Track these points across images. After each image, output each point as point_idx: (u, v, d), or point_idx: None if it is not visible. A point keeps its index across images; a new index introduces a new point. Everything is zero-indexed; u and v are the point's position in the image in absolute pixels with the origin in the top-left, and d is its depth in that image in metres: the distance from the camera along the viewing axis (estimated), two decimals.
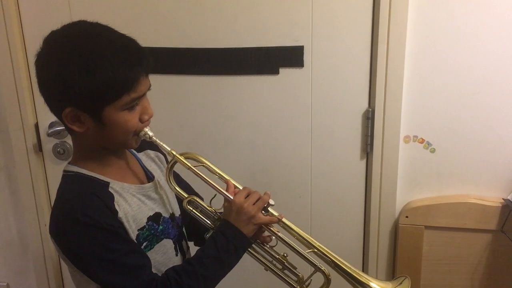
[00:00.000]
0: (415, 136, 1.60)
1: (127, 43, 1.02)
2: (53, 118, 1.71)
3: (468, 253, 1.63)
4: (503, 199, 1.57)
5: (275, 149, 1.69)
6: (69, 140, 1.76)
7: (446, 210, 1.60)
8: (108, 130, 1.02)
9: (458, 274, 1.65)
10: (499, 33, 1.47)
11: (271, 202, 1.13)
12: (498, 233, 1.58)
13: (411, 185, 1.65)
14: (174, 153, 1.12)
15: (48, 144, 1.78)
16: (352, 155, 1.66)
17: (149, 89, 1.05)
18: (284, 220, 1.15)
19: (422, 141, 1.61)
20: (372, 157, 1.63)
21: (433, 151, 1.61)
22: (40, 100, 1.70)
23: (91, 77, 0.95)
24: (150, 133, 1.08)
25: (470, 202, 1.59)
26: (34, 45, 1.61)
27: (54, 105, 1.03)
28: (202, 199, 1.22)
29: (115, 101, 0.98)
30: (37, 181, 1.81)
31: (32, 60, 1.66)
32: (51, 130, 1.73)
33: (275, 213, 1.14)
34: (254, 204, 1.10)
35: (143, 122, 1.06)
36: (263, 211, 1.12)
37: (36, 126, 1.77)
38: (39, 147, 1.79)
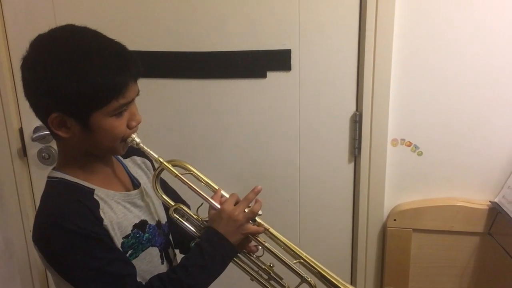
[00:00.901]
0: (403, 139, 1.61)
1: (116, 48, 1.00)
2: (38, 122, 1.72)
3: (456, 256, 1.63)
4: (490, 201, 1.58)
5: (263, 153, 1.68)
6: (54, 145, 1.74)
7: (433, 213, 1.60)
8: (95, 136, 1.00)
9: (446, 277, 1.66)
10: (485, 38, 1.48)
11: (259, 212, 1.12)
12: (485, 236, 1.59)
13: (398, 188, 1.65)
14: (161, 160, 1.10)
15: (33, 149, 1.76)
16: (340, 159, 1.66)
17: (137, 94, 1.03)
18: (271, 230, 1.14)
19: (409, 144, 1.61)
20: (360, 161, 1.63)
21: (420, 154, 1.61)
22: (24, 105, 1.69)
23: (79, 82, 0.93)
24: (137, 140, 1.06)
25: (458, 204, 1.59)
26: (18, 48, 1.63)
27: (40, 110, 1.01)
28: (189, 207, 1.21)
29: (103, 107, 0.97)
30: (21, 186, 1.78)
31: (16, 63, 1.65)
32: (36, 135, 1.71)
33: (263, 223, 1.13)
34: (243, 212, 1.09)
35: (131, 128, 1.04)
36: (250, 221, 1.11)
37: (21, 131, 1.75)
38: (23, 152, 1.77)
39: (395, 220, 1.63)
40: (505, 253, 1.53)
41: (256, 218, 1.12)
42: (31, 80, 0.99)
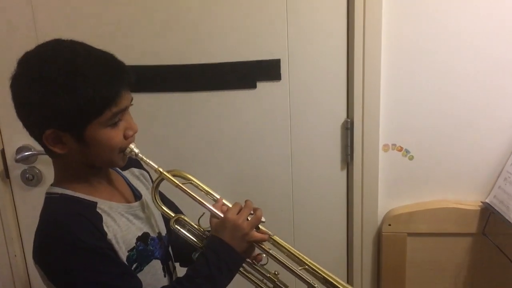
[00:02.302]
0: (394, 144, 1.62)
1: (105, 57, 0.99)
2: (20, 143, 1.67)
3: (451, 258, 1.65)
4: (481, 202, 1.61)
5: (255, 163, 1.67)
6: (38, 165, 1.69)
7: (427, 216, 1.61)
8: (92, 149, 0.98)
9: (442, 279, 1.67)
10: (471, 44, 1.51)
11: (263, 219, 1.10)
12: (479, 236, 1.61)
13: (391, 192, 1.66)
14: (161, 170, 1.08)
15: (16, 170, 1.70)
16: (332, 166, 1.66)
17: (131, 103, 1.02)
18: (275, 237, 1.12)
19: (400, 149, 1.62)
20: (352, 167, 1.63)
21: (411, 158, 1.63)
22: (6, 125, 1.67)
23: (71, 95, 0.92)
24: (136, 150, 1.04)
25: (450, 207, 1.61)
26: None
27: (34, 129, 0.98)
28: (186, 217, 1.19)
29: (97, 118, 0.95)
30: (4, 209, 1.71)
31: None
32: (19, 156, 1.65)
33: (267, 230, 1.11)
34: (247, 220, 1.07)
35: (128, 138, 1.02)
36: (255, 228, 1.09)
37: (2, 152, 1.69)
38: (6, 174, 1.71)
39: (389, 225, 1.64)
40: (499, 253, 1.55)
41: (259, 226, 1.10)
42: (22, 100, 0.96)
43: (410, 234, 1.63)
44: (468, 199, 1.63)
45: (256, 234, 1.08)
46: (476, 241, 1.62)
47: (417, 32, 1.52)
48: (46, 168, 1.69)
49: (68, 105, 0.92)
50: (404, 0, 1.50)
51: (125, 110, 1.00)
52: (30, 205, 1.72)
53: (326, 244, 1.73)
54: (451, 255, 1.65)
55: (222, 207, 1.11)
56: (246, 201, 1.11)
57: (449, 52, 1.52)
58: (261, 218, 1.09)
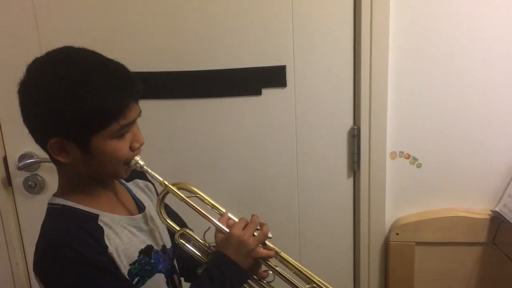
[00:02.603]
0: (401, 152, 1.60)
1: (116, 68, 0.96)
2: (23, 150, 1.65)
3: (460, 268, 1.62)
4: (491, 210, 1.58)
5: (260, 171, 1.65)
6: (41, 172, 1.67)
7: (435, 225, 1.59)
8: (97, 160, 0.96)
9: None
10: (481, 49, 1.49)
11: (269, 234, 1.08)
12: (488, 246, 1.58)
13: (398, 201, 1.64)
14: (167, 183, 1.06)
15: (18, 177, 1.68)
16: (339, 174, 1.64)
17: (139, 115, 0.99)
18: (282, 254, 1.10)
19: (408, 156, 1.60)
20: (359, 175, 1.61)
21: (419, 166, 1.60)
22: (8, 132, 1.65)
23: (78, 105, 0.90)
24: (141, 162, 1.02)
25: (459, 215, 1.58)
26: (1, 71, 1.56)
27: (39, 136, 0.96)
28: (192, 230, 1.16)
29: (104, 129, 0.93)
30: (7, 217, 1.69)
31: None
32: (22, 163, 1.63)
33: (273, 247, 1.08)
34: (253, 236, 1.05)
35: (134, 150, 1.00)
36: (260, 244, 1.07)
37: (5, 159, 1.67)
38: (8, 182, 1.68)
39: (397, 234, 1.61)
40: (510, 262, 1.52)
41: (266, 241, 1.08)
42: (29, 105, 0.95)
43: (418, 243, 1.61)
44: (478, 207, 1.60)
45: (262, 251, 1.06)
46: (486, 251, 1.59)
47: (426, 38, 1.49)
48: (49, 175, 1.67)
49: (75, 114, 0.90)
50: (412, 6, 1.48)
51: (133, 122, 0.98)
52: (33, 213, 1.70)
53: (332, 253, 1.71)
54: (460, 265, 1.62)
55: (228, 221, 1.08)
56: (252, 216, 1.08)
57: (458, 59, 1.50)
58: (267, 234, 1.07)
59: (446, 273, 1.62)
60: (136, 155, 1.01)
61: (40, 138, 0.96)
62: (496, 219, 1.55)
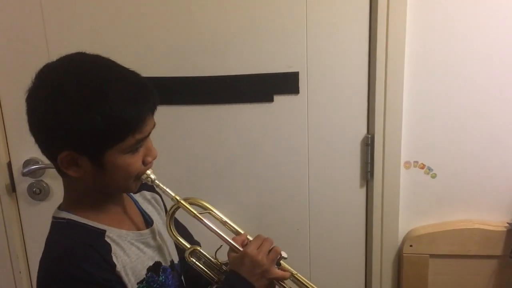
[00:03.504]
0: (416, 162, 1.55)
1: (132, 78, 0.92)
2: (27, 156, 1.61)
3: (475, 281, 1.58)
4: (508, 223, 1.54)
5: (271, 180, 1.60)
6: (46, 178, 1.64)
7: (450, 237, 1.55)
8: (108, 174, 0.91)
9: None
10: (498, 60, 1.45)
11: (284, 254, 1.04)
12: (504, 259, 1.54)
13: (412, 212, 1.59)
14: (178, 198, 1.02)
15: (23, 184, 1.64)
16: (351, 183, 1.60)
17: (153, 127, 0.95)
18: (297, 275, 1.06)
19: (423, 166, 1.56)
20: (372, 185, 1.57)
21: (434, 176, 1.56)
22: (13, 137, 1.61)
23: (92, 117, 0.84)
24: (153, 176, 0.98)
25: (474, 227, 1.54)
26: (5, 76, 1.52)
27: (48, 148, 0.91)
28: (199, 244, 1.13)
29: (118, 143, 0.88)
30: (10, 224, 1.65)
31: (4, 92, 1.56)
32: (26, 169, 1.59)
33: (288, 267, 1.05)
34: (267, 255, 1.00)
35: (146, 164, 0.96)
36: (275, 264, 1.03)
37: (9, 165, 1.63)
38: (12, 188, 1.65)
39: (411, 246, 1.57)
40: None
41: (281, 262, 1.04)
42: (37, 115, 0.89)
43: (432, 256, 1.57)
44: (494, 219, 1.56)
45: (277, 271, 1.02)
46: (502, 264, 1.55)
47: (442, 46, 1.45)
48: (54, 182, 1.63)
49: (87, 127, 0.85)
50: (428, 15, 1.44)
51: (147, 136, 0.94)
52: (37, 220, 1.66)
53: (344, 264, 1.67)
54: (475, 278, 1.58)
55: (243, 242, 1.05)
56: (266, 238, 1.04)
57: (474, 68, 1.46)
58: (280, 252, 1.03)
59: (461, 286, 1.58)
60: (148, 169, 0.97)
61: (49, 150, 0.91)
62: None
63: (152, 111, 0.93)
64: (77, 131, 0.85)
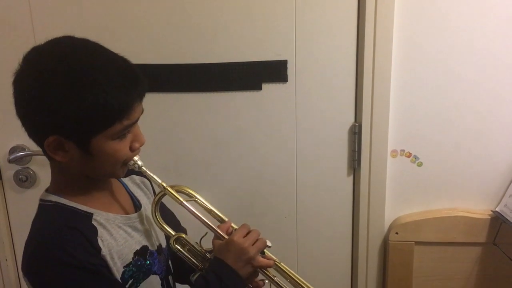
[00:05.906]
0: (402, 150, 1.57)
1: (121, 64, 0.91)
2: (13, 143, 1.59)
3: (459, 268, 1.60)
4: (491, 211, 1.56)
5: (259, 168, 1.61)
6: (32, 166, 1.62)
7: (435, 225, 1.57)
8: (95, 160, 0.91)
9: None
10: (485, 51, 1.47)
11: (269, 243, 1.04)
12: (488, 246, 1.56)
13: (398, 200, 1.61)
14: (165, 185, 1.02)
15: (9, 171, 1.63)
16: (339, 172, 1.61)
17: (141, 114, 0.94)
18: (280, 264, 1.07)
19: (409, 155, 1.57)
20: (359, 173, 1.58)
21: (420, 165, 1.58)
22: None
23: (80, 102, 0.84)
24: (140, 163, 0.98)
25: (459, 215, 1.56)
26: None
27: (35, 132, 0.91)
28: (185, 230, 1.14)
29: (106, 129, 0.88)
30: None
31: None
32: (13, 156, 1.58)
33: (272, 256, 1.06)
34: (253, 244, 1.01)
35: (134, 150, 0.95)
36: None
37: None
38: None
39: (396, 233, 1.58)
40: (510, 263, 1.50)
41: (265, 251, 1.05)
42: (24, 99, 0.88)
43: (417, 243, 1.59)
44: (478, 207, 1.58)
45: (262, 260, 1.02)
46: (486, 251, 1.57)
47: (429, 37, 1.46)
48: (41, 169, 1.61)
49: (74, 112, 0.85)
50: (417, 4, 1.44)
51: (135, 123, 0.93)
52: (23, 207, 1.65)
53: (330, 252, 1.68)
54: (460, 265, 1.60)
55: (228, 229, 1.05)
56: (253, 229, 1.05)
57: (461, 58, 1.48)
58: (266, 242, 1.03)
59: (446, 273, 1.61)
60: (135, 155, 0.97)
61: (36, 134, 0.91)
62: (497, 220, 1.53)
63: (140, 97, 0.92)
64: (64, 116, 0.85)
